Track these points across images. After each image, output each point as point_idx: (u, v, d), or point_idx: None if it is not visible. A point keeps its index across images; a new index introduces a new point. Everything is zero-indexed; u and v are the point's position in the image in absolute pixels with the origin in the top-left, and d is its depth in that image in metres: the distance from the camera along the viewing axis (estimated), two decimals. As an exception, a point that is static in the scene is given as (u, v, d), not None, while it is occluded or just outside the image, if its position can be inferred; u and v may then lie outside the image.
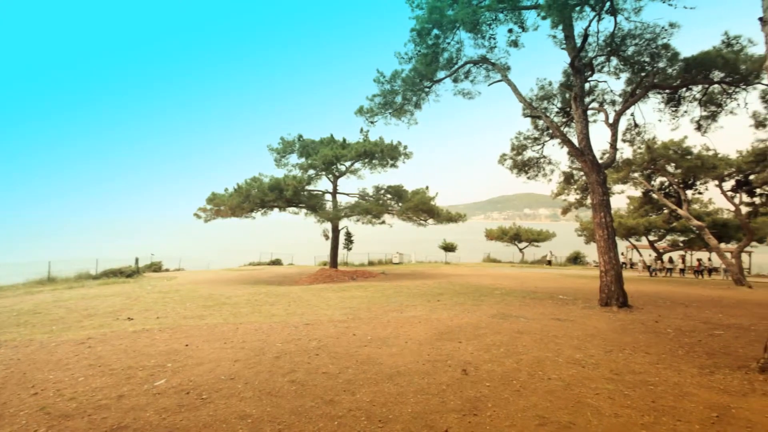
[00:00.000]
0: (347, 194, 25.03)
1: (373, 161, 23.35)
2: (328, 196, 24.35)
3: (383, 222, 24.03)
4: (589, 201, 11.99)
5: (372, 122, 14.69)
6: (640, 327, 7.94)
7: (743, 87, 12.21)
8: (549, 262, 35.01)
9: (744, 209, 22.25)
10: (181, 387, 4.58)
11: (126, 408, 4.02)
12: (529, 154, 16.53)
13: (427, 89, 13.50)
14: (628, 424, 3.66)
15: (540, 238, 38.97)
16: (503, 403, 4.12)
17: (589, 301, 11.30)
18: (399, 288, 14.67)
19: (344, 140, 23.53)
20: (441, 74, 13.12)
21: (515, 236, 39.35)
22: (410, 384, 4.65)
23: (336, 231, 24.02)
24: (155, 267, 26.06)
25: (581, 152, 11.11)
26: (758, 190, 21.72)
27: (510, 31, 11.74)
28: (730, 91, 12.65)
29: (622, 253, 32.56)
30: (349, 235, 31.01)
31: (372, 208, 21.81)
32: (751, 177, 21.62)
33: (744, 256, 24.31)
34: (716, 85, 12.56)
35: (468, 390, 4.46)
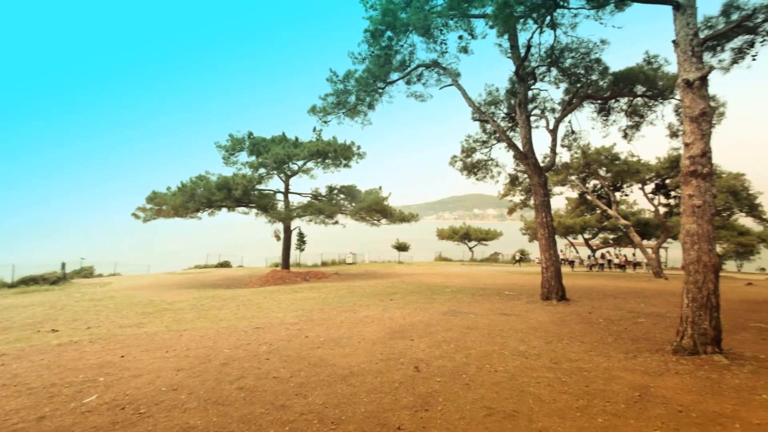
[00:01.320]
0: (300, 194, 24.57)
1: (327, 161, 23.09)
2: (280, 196, 23.73)
3: (336, 222, 23.85)
4: (532, 202, 12.75)
5: (325, 122, 14.53)
6: (576, 318, 8.59)
7: (661, 101, 13.64)
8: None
9: (662, 209, 24.94)
10: (116, 402, 4.22)
11: (48, 430, 3.63)
12: (477, 156, 17.25)
13: (380, 90, 13.60)
14: (565, 408, 3.95)
15: (488, 237, 40.78)
16: (453, 396, 4.26)
17: (532, 296, 12.03)
18: (352, 288, 14.64)
19: (297, 139, 23.04)
20: (394, 76, 13.29)
21: (465, 235, 40.84)
22: (363, 384, 4.66)
23: (288, 231, 23.45)
24: (86, 272, 23.80)
25: (525, 156, 11.80)
26: (673, 193, 24.46)
27: (460, 37, 12.18)
28: (650, 104, 14.07)
29: (561, 251, 35.02)
30: (301, 235, 30.40)
31: (325, 208, 21.56)
32: (668, 181, 24.30)
33: (661, 252, 27.14)
34: (639, 98, 13.91)
35: (420, 386, 4.56)
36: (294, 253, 28.80)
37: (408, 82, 13.74)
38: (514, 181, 24.16)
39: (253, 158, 22.66)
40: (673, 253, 35.63)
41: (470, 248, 41.46)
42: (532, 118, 13.26)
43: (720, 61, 10.89)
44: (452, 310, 9.50)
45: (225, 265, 33.07)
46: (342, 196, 23.89)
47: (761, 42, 10.33)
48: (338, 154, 22.42)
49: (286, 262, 23.49)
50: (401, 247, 39.12)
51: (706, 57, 10.61)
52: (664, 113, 14.63)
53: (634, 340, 6.66)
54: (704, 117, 5.92)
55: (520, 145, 12.02)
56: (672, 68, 12.87)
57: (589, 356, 5.74)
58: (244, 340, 6.90)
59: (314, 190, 24.36)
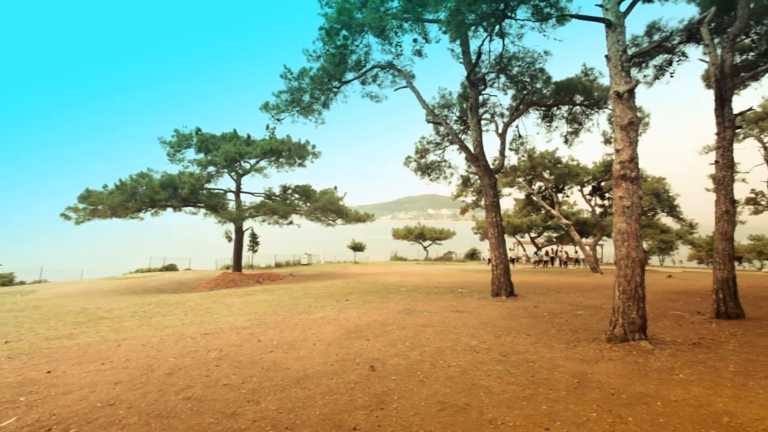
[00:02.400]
0: (252, 193, 23.75)
1: (280, 160, 22.50)
2: (231, 195, 22.76)
3: (291, 222, 23.34)
4: (483, 202, 13.30)
5: (278, 120, 14.18)
6: (523, 313, 9.09)
7: (596, 110, 14.81)
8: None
9: (598, 210, 27.11)
10: (40, 424, 3.82)
11: (-42, 458, 3.22)
12: (431, 157, 17.68)
13: (335, 89, 13.51)
14: (513, 398, 4.17)
15: (442, 236, 41.92)
16: (408, 394, 4.34)
17: (483, 292, 12.54)
18: (307, 289, 14.39)
19: (249, 137, 22.22)
20: (349, 75, 13.26)
21: (420, 235, 41.68)
22: (318, 386, 4.61)
23: (240, 232, 22.55)
24: (4, 280, 21.28)
25: (476, 158, 12.27)
26: (607, 195, 26.67)
27: (415, 40, 12.43)
28: (587, 112, 15.22)
29: (511, 249, 36.81)
30: (254, 236, 29.37)
31: (279, 208, 21.00)
32: (603, 184, 26.47)
33: (597, 248, 29.43)
34: (578, 107, 15.00)
35: (375, 385, 4.59)
36: (246, 255, 27.75)
37: (363, 83, 13.78)
38: (466, 182, 25.06)
39: (201, 156, 21.52)
40: (608, 249, 38.80)
41: (425, 248, 42.37)
42: (483, 122, 13.83)
43: (645, 76, 12.04)
44: (407, 309, 9.66)
45: (171, 268, 31.10)
46: (296, 195, 23.39)
47: (677, 61, 11.57)
48: (292, 152, 21.94)
49: (237, 264, 22.57)
50: (357, 247, 39.10)
51: (634, 72, 11.70)
52: (599, 121, 15.96)
53: (574, 331, 7.17)
54: (632, 126, 6.52)
55: (471, 148, 12.49)
56: (605, 81, 14.03)
57: (534, 348, 6.09)
58: (191, 347, 6.54)
59: (268, 189, 23.64)
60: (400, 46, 12.35)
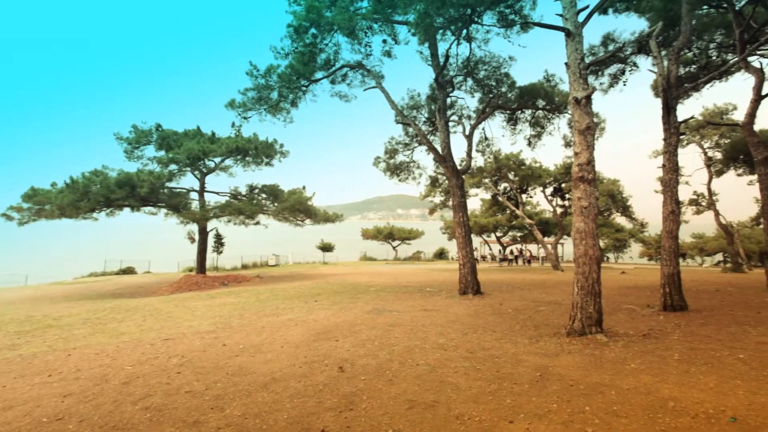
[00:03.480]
0: (217, 193, 22.91)
1: (247, 158, 21.86)
2: (194, 195, 21.86)
3: (258, 223, 22.75)
4: (450, 202, 13.56)
5: (245, 117, 13.82)
6: (489, 310, 9.35)
7: (557, 114, 15.50)
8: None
9: (559, 210, 28.38)
10: (-21, 441, 3.52)
11: None
12: (400, 158, 17.84)
13: (304, 88, 13.33)
14: (479, 394, 4.29)
15: (411, 236, 42.34)
16: (377, 393, 4.36)
17: (451, 291, 12.79)
18: (275, 291, 14.10)
19: (213, 134, 21.44)
20: (318, 74, 13.12)
21: (389, 235, 41.89)
22: (286, 389, 4.53)
23: (204, 233, 21.72)
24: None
25: (444, 159, 12.50)
26: (567, 195, 27.97)
27: (384, 41, 12.48)
28: (549, 116, 15.90)
29: (476, 248, 37.76)
30: (219, 237, 28.40)
31: (245, 208, 20.42)
32: (563, 185, 27.72)
33: (559, 247, 30.78)
34: (540, 111, 15.64)
35: (344, 386, 4.57)
36: (211, 256, 26.78)
37: (332, 82, 13.69)
38: (434, 182, 25.46)
39: (162, 153, 20.54)
40: (568, 248, 40.66)
41: (394, 247, 42.63)
42: (451, 124, 14.11)
43: (601, 83, 12.72)
44: (376, 309, 9.69)
45: (128, 271, 29.45)
46: (264, 195, 22.83)
47: (630, 71, 12.31)
48: (259, 151, 21.37)
49: (201, 266, 21.72)
50: (326, 248, 38.74)
51: (591, 79, 12.34)
52: (560, 126, 16.71)
53: (536, 327, 7.46)
54: (589, 130, 6.88)
55: (439, 149, 12.70)
56: (565, 87, 14.71)
57: (499, 344, 6.29)
58: (150, 354, 6.24)
59: (233, 189, 22.91)
60: (370, 47, 12.37)
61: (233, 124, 21.16)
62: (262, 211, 22.13)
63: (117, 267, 29.71)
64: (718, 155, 23.95)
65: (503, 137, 39.85)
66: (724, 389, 4.20)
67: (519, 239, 37.25)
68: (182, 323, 8.87)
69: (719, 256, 33.54)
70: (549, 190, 28.88)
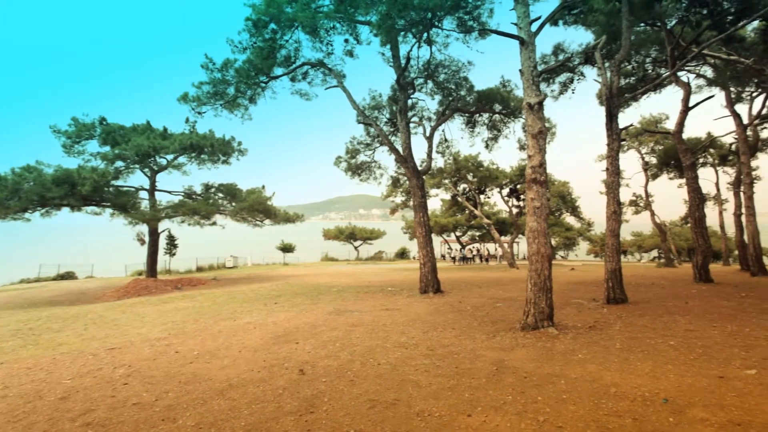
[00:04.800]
0: (170, 192, 21.69)
1: (202, 156, 20.89)
2: (145, 194, 20.56)
3: (214, 223, 21.83)
4: (411, 203, 13.75)
5: (199, 113, 13.22)
6: (449, 308, 9.59)
7: (513, 118, 16.20)
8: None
9: (514, 210, 29.68)
10: None
11: None
12: (362, 158, 17.84)
13: (263, 84, 12.97)
14: (439, 389, 4.39)
15: (373, 236, 42.46)
16: (338, 395, 4.34)
17: (412, 290, 12.97)
18: (233, 294, 13.60)
19: (165, 129, 20.28)
20: (278, 71, 12.82)
21: (351, 235, 41.75)
22: (244, 395, 4.39)
23: (155, 234, 20.47)
24: None
25: (405, 159, 12.66)
26: (522, 196, 29.32)
27: (346, 41, 12.40)
28: (505, 120, 16.58)
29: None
30: (172, 238, 26.95)
31: (200, 207, 19.51)
32: (518, 186, 29.01)
33: (514, 246, 32.19)
34: (497, 115, 16.27)
35: (305, 389, 4.50)
36: (163, 259, 25.33)
37: (293, 79, 13.43)
38: (395, 182, 25.72)
39: (107, 149, 19.13)
40: (523, 246, 42.57)
41: (356, 247, 42.55)
42: (412, 125, 14.32)
43: (552, 91, 13.44)
44: (338, 309, 9.62)
45: (68, 276, 27.08)
46: (220, 195, 21.91)
47: (578, 80, 13.11)
48: (216, 149, 20.49)
49: (152, 269, 20.46)
50: (286, 249, 37.92)
51: (543, 86, 13.02)
52: (515, 129, 17.45)
53: (493, 323, 7.76)
54: (541, 134, 7.25)
55: (400, 150, 12.85)
56: (520, 93, 15.41)
57: (459, 340, 6.47)
58: (93, 365, 5.80)
59: (188, 188, 21.78)
60: (331, 45, 12.26)
61: (187, 120, 20.11)
62: (218, 212, 21.25)
63: (54, 272, 27.24)
64: (654, 160, 26.23)
65: (462, 139, 41.15)
66: (657, 374, 4.60)
67: (478, 238, 38.50)
68: (130, 331, 8.32)
69: (654, 253, 36.62)
70: (505, 191, 30.12)
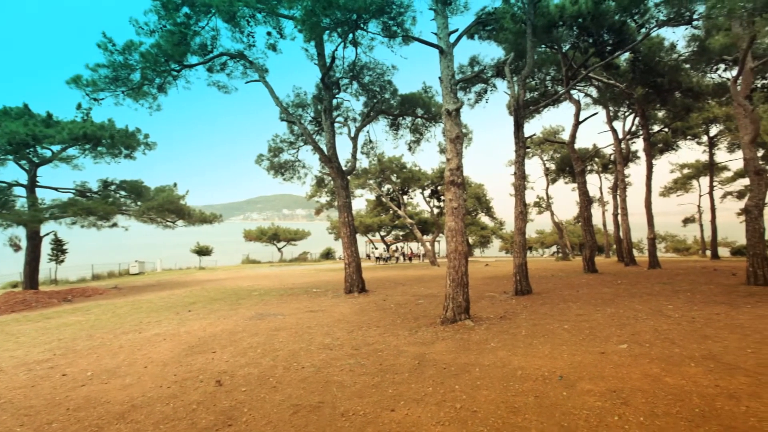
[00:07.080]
0: (56, 189, 18.62)
1: (99, 149, 18.33)
2: (21, 190, 17.40)
3: (114, 225, 19.35)
4: (336, 203, 13.70)
5: (96, 99, 11.64)
6: (374, 306, 9.75)
7: (434, 123, 17.05)
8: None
9: (435, 210, 31.26)
10: None
11: None
12: (285, 156, 17.29)
13: (174, 72, 11.86)
14: (363, 388, 4.44)
15: (297, 237, 41.30)
16: (260, 403, 4.15)
17: (337, 290, 12.92)
18: (138, 303, 12.19)
19: (49, 116, 17.42)
20: (193, 59, 11.85)
21: (274, 236, 40.13)
22: (150, 415, 3.97)
23: (36, 238, 17.43)
24: None
25: (329, 159, 12.56)
26: (442, 197, 31.01)
27: (269, 34, 11.89)
28: (427, 124, 17.38)
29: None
30: (59, 243, 23.24)
31: (97, 207, 17.12)
32: (439, 188, 30.61)
33: (435, 244, 33.86)
34: (419, 119, 16.98)
35: (222, 401, 4.23)
36: (47, 267, 21.69)
37: (210, 70, 12.52)
38: (320, 182, 25.39)
39: (-35, 136, 15.79)
40: (444, 245, 44.92)
41: (279, 249, 41.03)
42: (337, 125, 14.26)
43: (468, 99, 14.42)
44: (259, 314, 9.20)
45: None
46: (123, 193, 19.47)
47: (491, 90, 14.27)
48: (116, 141, 18.11)
49: (32, 279, 17.38)
50: (203, 251, 35.12)
51: (461, 95, 13.92)
52: (436, 133, 18.42)
53: (416, 319, 8.08)
54: (458, 139, 7.75)
55: (325, 149, 12.72)
56: (440, 99, 16.27)
57: (383, 338, 6.62)
58: (-55, 399, 4.75)
59: (80, 184, 18.94)
60: (253, 37, 11.67)
61: (79, 106, 17.53)
62: (120, 212, 18.88)
63: None
64: (553, 166, 29.69)
65: (386, 141, 42.17)
66: (555, 355, 5.21)
67: (401, 238, 39.71)
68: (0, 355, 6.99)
69: (554, 248, 41.39)
70: (427, 192, 31.56)
